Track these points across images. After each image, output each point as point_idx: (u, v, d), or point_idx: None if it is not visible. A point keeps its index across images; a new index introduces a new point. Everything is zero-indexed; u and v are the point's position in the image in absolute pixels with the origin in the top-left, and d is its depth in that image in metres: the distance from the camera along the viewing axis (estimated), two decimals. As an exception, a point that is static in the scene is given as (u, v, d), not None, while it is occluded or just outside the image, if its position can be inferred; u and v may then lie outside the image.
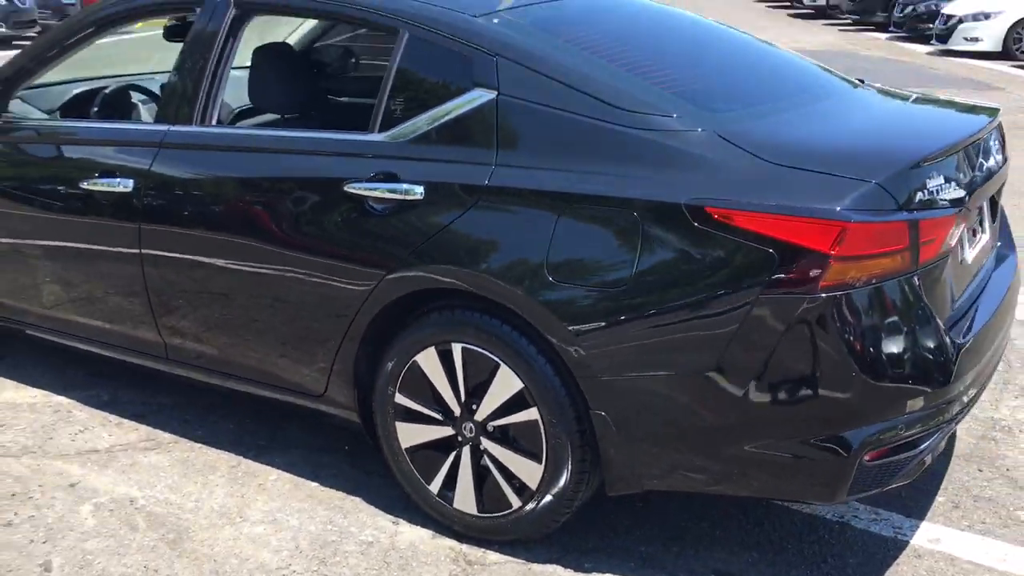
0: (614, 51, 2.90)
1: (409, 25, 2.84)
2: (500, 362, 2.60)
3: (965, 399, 2.58)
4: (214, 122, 3.17)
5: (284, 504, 3.00)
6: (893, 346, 2.34)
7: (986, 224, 2.97)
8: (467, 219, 2.60)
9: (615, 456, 2.54)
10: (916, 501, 3.04)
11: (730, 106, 2.71)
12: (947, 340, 2.44)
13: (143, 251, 3.19)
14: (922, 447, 2.45)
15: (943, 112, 3.15)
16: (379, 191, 2.71)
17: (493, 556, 2.75)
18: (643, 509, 2.97)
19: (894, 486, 2.50)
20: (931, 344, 2.40)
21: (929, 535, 2.86)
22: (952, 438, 3.40)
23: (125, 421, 3.53)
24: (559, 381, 2.54)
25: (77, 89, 4.12)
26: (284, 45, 3.86)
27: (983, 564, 2.73)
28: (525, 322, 2.54)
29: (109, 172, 3.23)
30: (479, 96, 2.67)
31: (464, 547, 2.79)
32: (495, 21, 2.81)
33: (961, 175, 2.58)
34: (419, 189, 2.66)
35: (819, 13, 23.55)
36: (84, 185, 3.27)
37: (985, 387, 2.84)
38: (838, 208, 2.25)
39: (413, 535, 2.85)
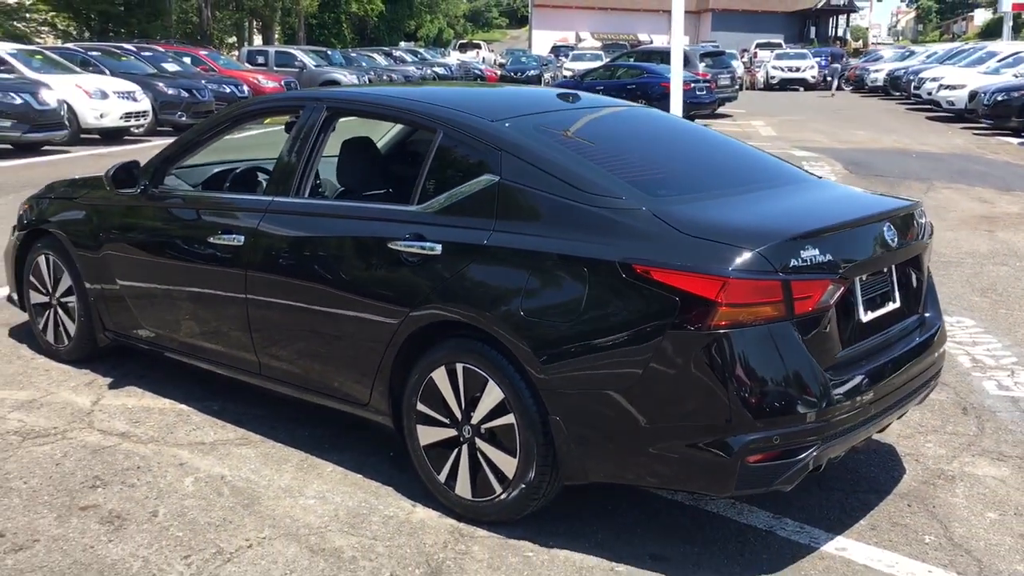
0: (595, 148, 3.82)
1: (442, 126, 3.80)
2: (488, 378, 3.45)
3: (848, 424, 3.25)
4: (306, 195, 4.18)
5: (333, 487, 3.89)
6: (767, 375, 3.08)
7: (897, 295, 3.65)
8: (470, 270, 3.49)
9: (566, 452, 3.32)
10: (841, 521, 3.66)
11: (670, 192, 3.54)
12: (820, 376, 3.14)
13: (247, 294, 4.21)
14: (800, 457, 3.13)
15: (855, 202, 3.94)
16: (411, 247, 3.64)
17: (481, 532, 3.54)
18: (607, 506, 3.70)
19: (778, 487, 3.18)
20: (802, 377, 3.12)
21: (838, 545, 3.49)
22: (896, 477, 3.99)
23: (228, 424, 4.52)
24: (529, 393, 3.36)
25: (215, 169, 5.27)
26: (362, 138, 4.84)
27: (874, 568, 3.34)
28: (506, 348, 3.39)
29: (228, 230, 4.28)
30: (486, 179, 3.59)
31: (461, 525, 3.60)
32: (506, 125, 3.74)
33: (843, 251, 3.30)
34: (438, 247, 3.57)
35: (957, 116, 23.62)
36: (211, 240, 4.33)
37: (893, 415, 3.55)
38: (725, 267, 3.03)
39: (425, 514, 3.68)
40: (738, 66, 34.47)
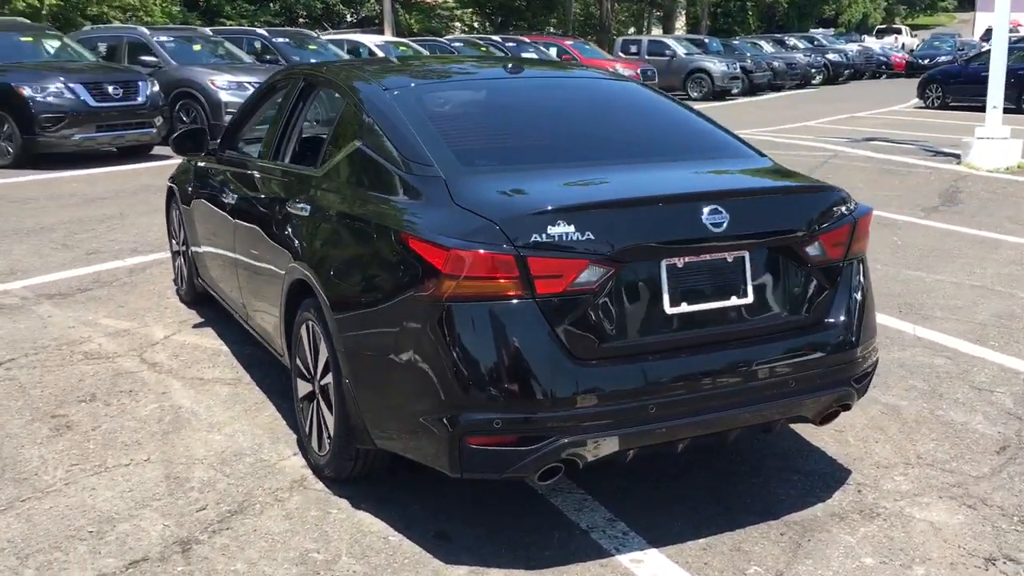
0: (465, 119, 3.76)
1: (347, 94, 3.95)
2: (321, 337, 3.57)
3: (614, 420, 2.95)
4: (284, 159, 4.50)
5: (251, 430, 4.21)
6: (493, 354, 2.89)
7: (749, 289, 3.18)
8: (319, 231, 3.63)
9: (353, 415, 3.36)
10: (678, 535, 3.30)
11: (491, 163, 3.40)
12: (562, 363, 2.88)
13: (234, 236, 4.66)
14: (535, 447, 2.90)
15: (706, 181, 3.51)
16: (292, 208, 3.86)
17: (318, 485, 3.67)
18: (432, 480, 3.64)
19: (513, 475, 2.97)
20: (537, 361, 2.88)
21: (635, 557, 3.16)
22: (811, 501, 3.49)
23: (238, 366, 5.02)
24: (335, 354, 3.44)
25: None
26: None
27: (648, 584, 3.00)
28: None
29: (245, 187, 4.72)
30: (352, 146, 3.69)
31: (308, 476, 3.75)
32: (394, 94, 3.79)
33: (620, 230, 2.98)
34: (308, 208, 3.75)
35: None
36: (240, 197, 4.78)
37: (729, 423, 3.18)
38: (451, 238, 2.89)
39: (293, 463, 3.88)
40: None
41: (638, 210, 3.09)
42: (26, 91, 12.21)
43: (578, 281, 2.91)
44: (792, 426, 4.15)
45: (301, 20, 35.68)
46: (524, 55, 23.88)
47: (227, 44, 16.61)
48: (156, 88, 13.51)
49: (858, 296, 3.46)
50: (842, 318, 3.37)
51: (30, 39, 13.78)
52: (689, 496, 3.59)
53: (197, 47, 15.94)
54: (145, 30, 16.10)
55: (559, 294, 2.90)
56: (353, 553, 3.20)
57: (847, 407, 3.47)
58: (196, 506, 3.52)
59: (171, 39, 15.82)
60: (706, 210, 3.08)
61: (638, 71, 26.15)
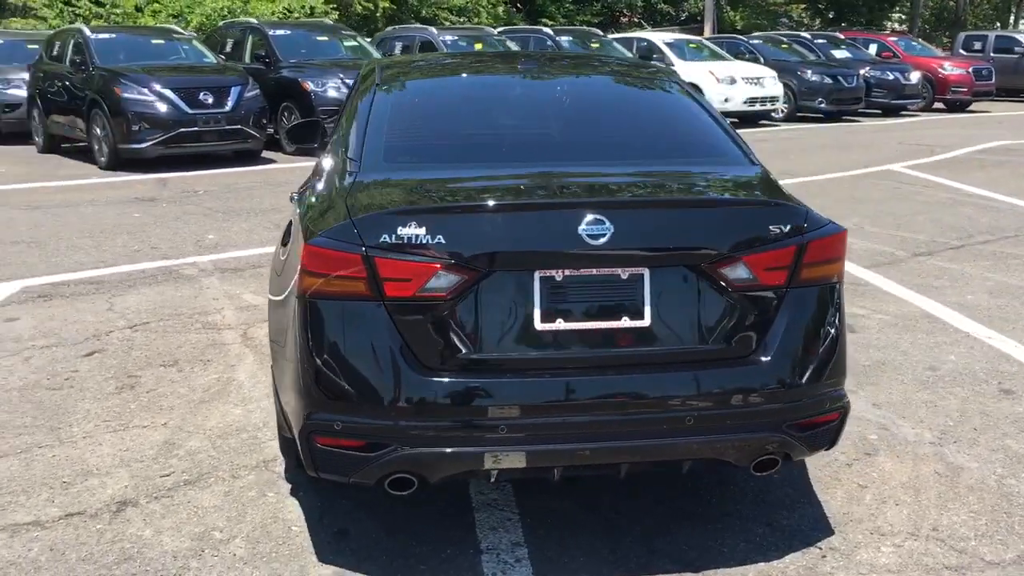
0: (424, 117, 3.66)
1: (352, 89, 4.02)
2: None
3: (463, 437, 2.79)
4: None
5: (270, 407, 4.42)
6: (339, 354, 2.83)
7: (645, 311, 2.84)
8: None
9: (276, 403, 3.42)
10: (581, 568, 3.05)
11: (413, 162, 3.31)
12: (407, 372, 2.76)
13: None
14: (377, 455, 2.80)
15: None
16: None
17: (278, 468, 3.79)
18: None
19: (360, 482, 2.89)
20: (380, 367, 2.78)
21: (505, 586, 2.96)
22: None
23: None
24: None
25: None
26: None
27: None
28: None
29: None
30: (333, 138, 3.75)
31: (280, 459, 3.86)
32: (384, 89, 3.79)
33: (481, 236, 2.79)
34: (296, 198, 3.86)
35: None
36: None
37: (567, 459, 2.89)
38: (318, 236, 2.87)
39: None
40: None
41: (505, 216, 2.87)
42: (309, 86, 13.43)
43: (428, 286, 2.77)
44: (812, 473, 3.68)
45: (623, 19, 36.09)
46: (834, 52, 22.54)
47: (508, 43, 17.25)
48: None
49: (811, 330, 2.98)
50: (778, 354, 2.92)
51: (327, 38, 15.15)
52: (622, 532, 3.29)
53: (478, 46, 16.69)
54: (434, 30, 17.13)
55: (408, 299, 2.78)
56: (249, 537, 3.27)
57: (788, 457, 3.00)
58: (163, 472, 3.77)
59: (457, 39, 16.70)
60: (585, 220, 2.80)
61: (968, 70, 23.70)
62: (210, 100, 12.16)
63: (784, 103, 19.88)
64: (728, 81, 18.50)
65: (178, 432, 4.14)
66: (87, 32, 13.45)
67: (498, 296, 2.82)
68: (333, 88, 13.37)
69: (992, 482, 3.67)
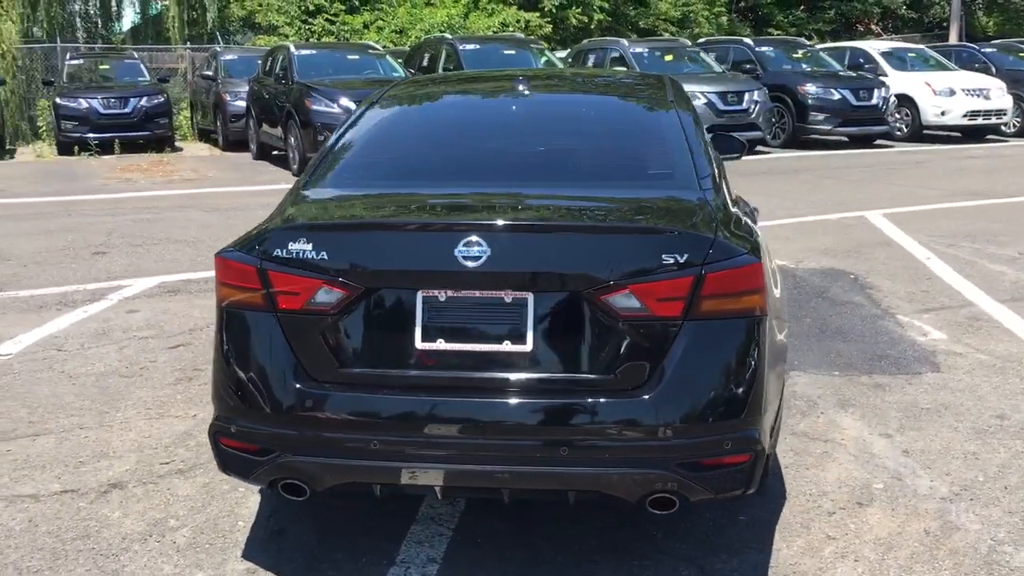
0: (396, 137, 3.76)
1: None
2: None
3: (340, 450, 2.85)
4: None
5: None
6: (238, 361, 2.97)
7: (529, 336, 2.79)
8: None
9: None
10: (457, 592, 3.05)
11: (354, 180, 3.41)
12: (288, 382, 2.87)
13: None
14: (265, 459, 2.92)
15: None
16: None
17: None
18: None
19: (256, 483, 3.02)
20: (267, 375, 2.91)
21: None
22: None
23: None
24: None
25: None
26: None
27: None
28: None
29: None
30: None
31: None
32: (375, 105, 3.93)
33: (364, 254, 2.86)
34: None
35: None
36: None
37: (441, 480, 2.89)
38: (229, 249, 3.03)
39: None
40: None
41: (386, 235, 2.91)
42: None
43: (314, 300, 2.86)
44: (786, 517, 3.47)
45: (860, 28, 34.36)
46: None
47: (702, 54, 16.93)
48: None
49: (712, 366, 2.81)
50: (667, 388, 2.77)
51: (514, 52, 15.51)
52: (543, 560, 3.23)
53: (668, 57, 16.50)
54: (625, 43, 17.12)
55: (297, 311, 2.89)
56: (197, 528, 3.48)
57: (684, 498, 2.84)
58: (165, 460, 4.07)
59: (647, 51, 16.60)
60: (462, 242, 2.79)
61: None
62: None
63: (1016, 117, 18.29)
64: (946, 93, 17.25)
65: (201, 424, 4.44)
66: (292, 49, 14.53)
67: (382, 313, 2.88)
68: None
69: (984, 548, 3.29)
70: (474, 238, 2.79)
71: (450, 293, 2.83)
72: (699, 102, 14.91)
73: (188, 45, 23.97)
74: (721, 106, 15.07)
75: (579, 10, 26.43)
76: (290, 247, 2.90)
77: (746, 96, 15.30)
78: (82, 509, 3.64)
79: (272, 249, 2.92)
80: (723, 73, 16.39)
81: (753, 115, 15.28)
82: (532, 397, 2.82)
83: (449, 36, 16.75)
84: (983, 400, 4.66)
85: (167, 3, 26.02)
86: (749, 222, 3.40)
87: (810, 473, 3.88)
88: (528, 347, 2.82)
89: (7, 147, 18.05)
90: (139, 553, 3.32)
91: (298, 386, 2.88)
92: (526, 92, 4.09)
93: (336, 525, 3.49)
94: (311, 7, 24.96)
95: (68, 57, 19.25)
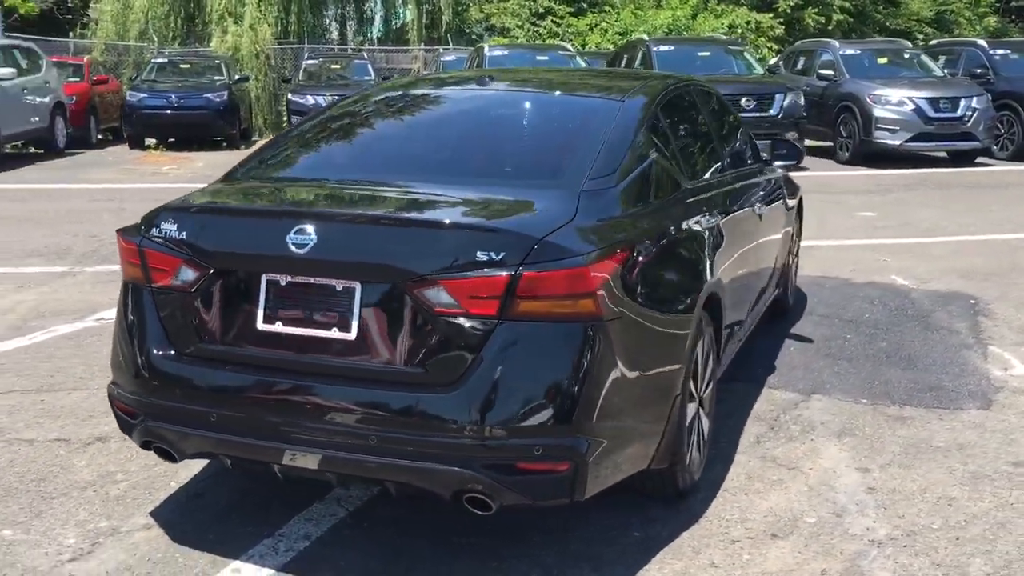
0: (336, 132, 3.90)
1: None
2: None
3: (183, 419, 3.07)
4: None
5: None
6: (122, 331, 3.26)
7: (353, 325, 2.86)
8: None
9: None
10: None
11: (270, 172, 3.59)
12: (143, 351, 3.13)
13: None
14: (134, 423, 3.18)
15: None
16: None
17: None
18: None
19: (137, 443, 3.26)
20: (133, 345, 3.17)
21: (237, 567, 3.15)
22: None
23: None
24: None
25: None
26: None
27: None
28: None
29: None
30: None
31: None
32: (346, 103, 4.10)
33: (214, 236, 3.05)
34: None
35: None
36: None
37: (271, 456, 3.03)
38: (122, 228, 3.32)
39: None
40: None
41: (233, 220, 3.06)
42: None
43: (177, 278, 3.07)
44: (677, 543, 3.33)
45: None
46: None
47: (923, 58, 15.76)
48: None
49: (528, 369, 2.76)
50: (475, 388, 2.75)
51: (708, 54, 15.19)
52: (410, 553, 3.27)
53: (882, 60, 15.50)
54: (836, 44, 16.22)
55: (165, 287, 3.11)
56: (135, 484, 3.77)
57: (494, 500, 2.80)
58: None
59: (859, 52, 15.69)
60: (292, 230, 2.89)
61: None
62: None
63: None
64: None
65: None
66: (486, 50, 15.05)
67: (232, 294, 3.04)
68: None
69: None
70: (303, 226, 2.89)
71: (289, 278, 2.95)
72: (906, 108, 13.96)
73: (422, 47, 25.28)
74: (931, 113, 13.98)
75: (816, 10, 25.30)
76: (162, 227, 3.13)
77: (962, 103, 14.08)
78: (60, 456, 4.06)
79: (150, 229, 3.17)
80: (943, 78, 15.17)
81: (969, 123, 14.04)
82: (349, 385, 2.89)
83: (647, 38, 16.62)
84: (1012, 445, 4.15)
85: (410, 8, 27.55)
86: (653, 224, 3.27)
87: (746, 499, 3.64)
88: (352, 335, 2.88)
89: (252, 138, 19.96)
90: (71, 499, 3.66)
91: (162, 357, 3.11)
92: (482, 93, 4.10)
93: (254, 496, 3.68)
94: (540, 9, 25.54)
95: (306, 57, 20.86)
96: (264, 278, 2.98)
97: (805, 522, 3.46)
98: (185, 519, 3.52)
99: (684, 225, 3.53)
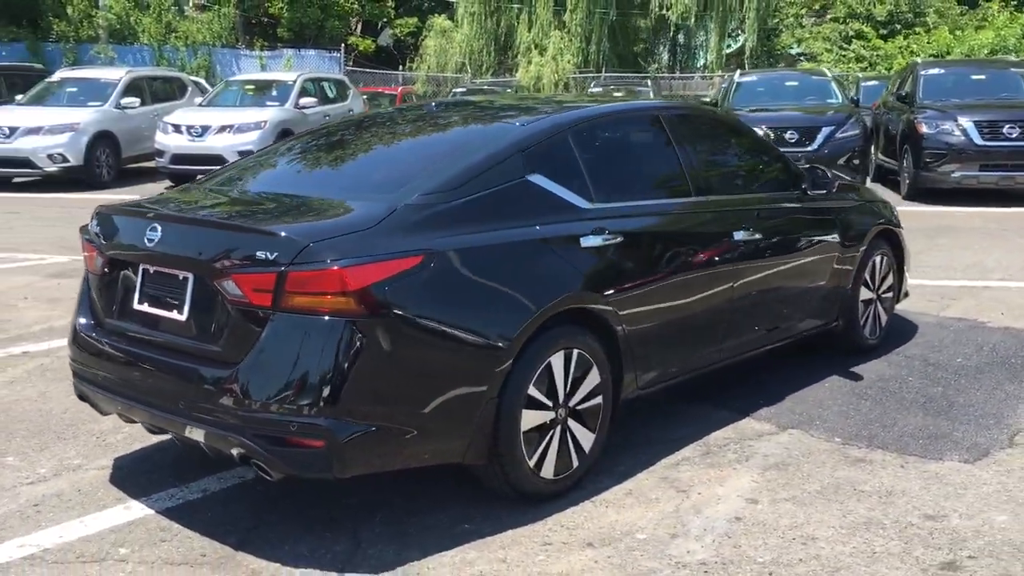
0: (290, 145, 4.45)
1: None
2: None
3: (91, 378, 3.78)
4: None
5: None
6: (76, 306, 4.03)
7: (186, 309, 3.44)
8: None
9: None
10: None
11: (205, 182, 4.20)
12: (85, 322, 3.88)
13: None
14: (76, 381, 3.93)
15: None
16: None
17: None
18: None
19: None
20: (77, 314, 3.93)
21: (118, 511, 3.80)
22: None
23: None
24: None
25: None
26: None
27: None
28: None
29: None
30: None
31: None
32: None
33: (112, 231, 3.77)
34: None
35: None
36: None
37: (131, 414, 3.68)
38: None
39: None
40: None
41: (121, 219, 3.74)
42: (923, 128, 12.75)
43: (95, 264, 3.82)
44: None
45: None
46: None
47: None
48: None
49: (291, 354, 3.19)
50: (250, 366, 3.22)
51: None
52: (274, 521, 3.75)
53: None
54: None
55: (93, 272, 3.87)
56: (127, 435, 4.57)
57: (267, 467, 3.23)
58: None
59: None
60: (148, 228, 3.52)
61: None
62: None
63: None
64: None
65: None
66: (736, 77, 14.88)
67: (124, 279, 3.72)
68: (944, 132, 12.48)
69: None
70: (155, 224, 3.53)
71: (154, 268, 3.58)
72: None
73: (719, 74, 25.36)
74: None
75: None
76: (91, 225, 3.91)
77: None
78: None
79: (90, 224, 3.94)
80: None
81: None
82: (175, 358, 3.46)
83: (919, 60, 15.51)
84: (947, 498, 3.78)
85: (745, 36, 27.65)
86: (487, 239, 3.50)
87: (601, 511, 3.71)
88: (184, 317, 3.46)
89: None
90: (78, 441, 4.52)
91: (85, 327, 3.85)
92: (419, 117, 4.57)
93: (198, 456, 4.29)
94: (850, 33, 24.55)
95: (591, 86, 21.77)
96: (142, 267, 3.64)
97: (634, 538, 3.49)
98: (135, 466, 4.23)
99: (550, 243, 3.66)
